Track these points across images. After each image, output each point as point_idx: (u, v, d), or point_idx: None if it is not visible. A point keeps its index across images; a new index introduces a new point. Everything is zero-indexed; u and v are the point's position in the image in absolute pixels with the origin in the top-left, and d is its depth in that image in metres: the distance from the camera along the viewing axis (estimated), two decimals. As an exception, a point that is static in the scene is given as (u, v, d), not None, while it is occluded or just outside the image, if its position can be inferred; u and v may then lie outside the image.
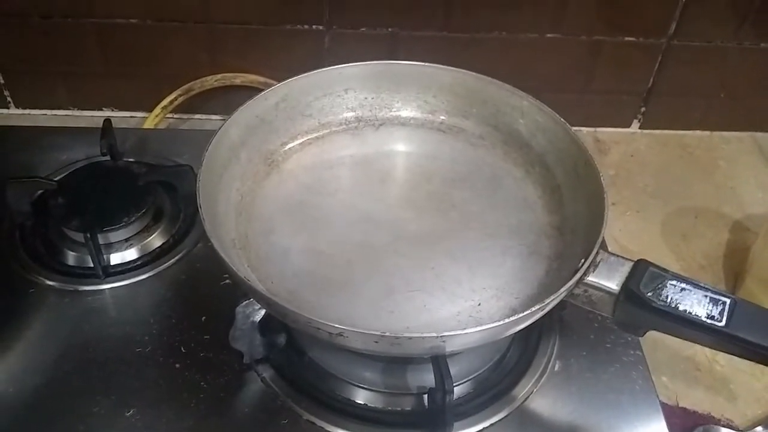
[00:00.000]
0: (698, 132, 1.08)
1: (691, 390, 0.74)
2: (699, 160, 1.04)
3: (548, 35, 0.95)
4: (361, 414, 0.61)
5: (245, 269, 0.59)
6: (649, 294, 0.52)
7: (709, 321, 0.51)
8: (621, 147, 1.04)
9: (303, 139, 0.73)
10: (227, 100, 0.98)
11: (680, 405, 0.72)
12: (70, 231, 0.72)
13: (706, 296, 0.52)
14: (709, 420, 0.71)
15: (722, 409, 0.72)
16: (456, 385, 0.60)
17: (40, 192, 0.75)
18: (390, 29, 0.94)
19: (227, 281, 0.69)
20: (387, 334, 0.49)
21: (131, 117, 1.02)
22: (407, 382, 0.62)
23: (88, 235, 0.68)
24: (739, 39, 0.97)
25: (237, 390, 0.62)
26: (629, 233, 0.91)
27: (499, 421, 0.61)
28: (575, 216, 0.64)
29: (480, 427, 0.61)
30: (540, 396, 0.63)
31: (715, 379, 0.75)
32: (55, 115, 1.02)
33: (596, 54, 0.98)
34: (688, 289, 0.53)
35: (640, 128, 1.07)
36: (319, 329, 0.50)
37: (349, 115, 0.75)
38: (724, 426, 0.69)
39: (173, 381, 0.63)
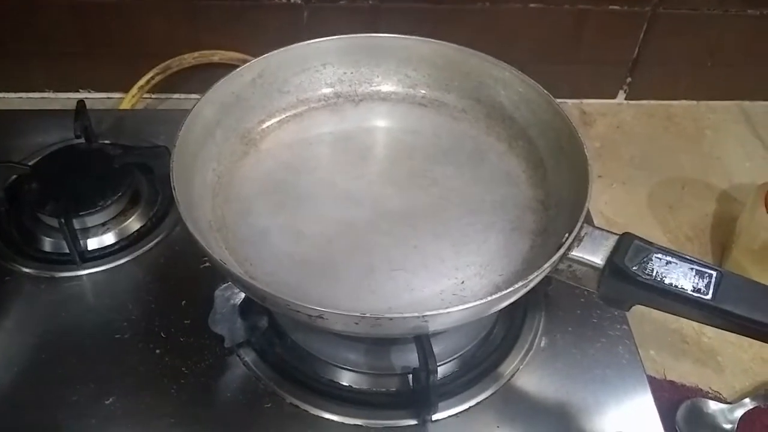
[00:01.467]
0: (684, 102, 1.07)
1: (679, 363, 0.73)
2: (685, 130, 1.03)
3: (532, 5, 0.94)
4: (346, 396, 0.61)
5: (222, 252, 0.58)
6: (635, 268, 0.51)
7: (695, 294, 0.50)
8: (607, 118, 1.03)
9: (281, 117, 0.71)
10: (206, 78, 0.94)
11: (668, 378, 0.72)
12: (44, 216, 0.70)
13: (692, 269, 0.51)
14: (697, 393, 0.70)
15: (710, 382, 0.72)
16: (441, 364, 0.59)
17: (13, 177, 0.74)
18: (370, 2, 0.92)
19: (207, 264, 0.68)
20: (367, 315, 0.48)
21: (108, 98, 1.00)
22: (391, 363, 0.62)
23: (63, 221, 0.67)
24: (725, 6, 0.96)
25: (219, 375, 0.61)
26: (615, 205, 0.90)
27: (485, 399, 0.61)
28: (559, 190, 0.63)
29: (466, 405, 0.60)
30: (526, 373, 0.63)
31: (702, 352, 0.75)
32: (30, 97, 1.00)
33: (581, 24, 0.96)
34: (674, 263, 0.52)
35: (626, 99, 1.06)
36: (299, 312, 0.49)
37: (328, 90, 0.73)
38: (711, 399, 0.69)
39: (153, 367, 0.61)
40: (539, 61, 0.96)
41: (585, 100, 1.05)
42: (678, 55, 1.01)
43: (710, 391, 0.71)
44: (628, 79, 1.03)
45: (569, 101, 1.05)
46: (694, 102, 1.07)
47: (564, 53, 1.00)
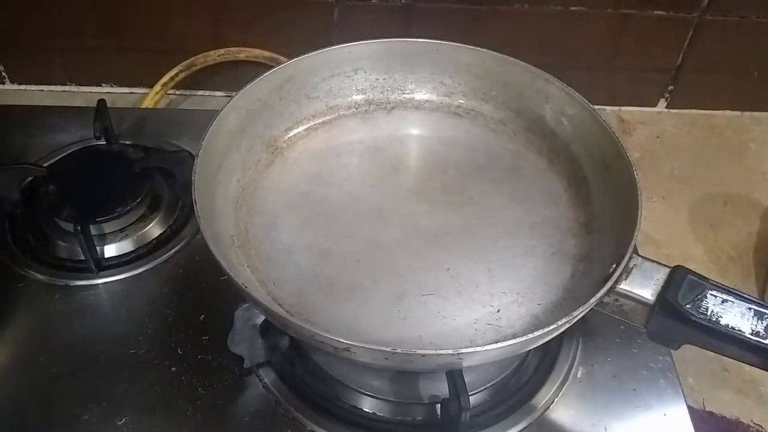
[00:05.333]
0: (728, 112, 1.03)
1: (719, 392, 0.70)
2: (728, 142, 0.99)
3: (572, 8, 0.90)
4: (368, 424, 0.58)
5: (244, 271, 0.55)
6: (688, 306, 0.48)
7: (754, 338, 0.47)
8: (646, 128, 1.00)
9: (309, 124, 0.68)
10: (231, 75, 0.95)
11: (707, 409, 0.68)
12: (60, 221, 0.68)
13: (750, 309, 0.48)
14: (738, 425, 0.68)
15: (751, 414, 0.69)
16: (472, 394, 0.56)
17: (30, 179, 0.72)
18: (403, 1, 0.89)
19: (228, 277, 0.65)
20: (398, 350, 0.45)
21: (131, 93, 0.98)
22: (419, 391, 0.59)
23: (79, 227, 0.64)
24: (775, 14, 0.91)
25: (237, 396, 0.59)
26: (655, 221, 0.86)
27: (518, 432, 0.57)
28: (604, 212, 0.59)
29: (497, 439, 0.57)
30: (562, 405, 0.60)
31: (744, 381, 0.72)
32: (52, 91, 0.99)
33: (623, 28, 0.93)
34: (731, 301, 0.48)
35: (666, 107, 1.03)
36: (324, 343, 0.46)
37: (359, 97, 0.70)
38: (753, 432, 0.66)
39: (169, 386, 0.59)
40: (578, 66, 0.94)
41: (624, 108, 1.02)
42: (723, 63, 0.97)
43: (752, 425, 0.68)
44: (670, 87, 1.00)
45: (608, 108, 1.02)
46: (738, 112, 1.03)
47: (604, 58, 0.96)
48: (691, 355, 0.70)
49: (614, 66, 0.97)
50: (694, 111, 1.03)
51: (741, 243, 0.85)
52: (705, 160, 0.96)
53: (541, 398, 0.60)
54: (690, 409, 0.62)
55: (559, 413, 0.59)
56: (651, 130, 0.99)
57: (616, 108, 1.02)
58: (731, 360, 0.71)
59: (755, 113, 1.03)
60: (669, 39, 0.95)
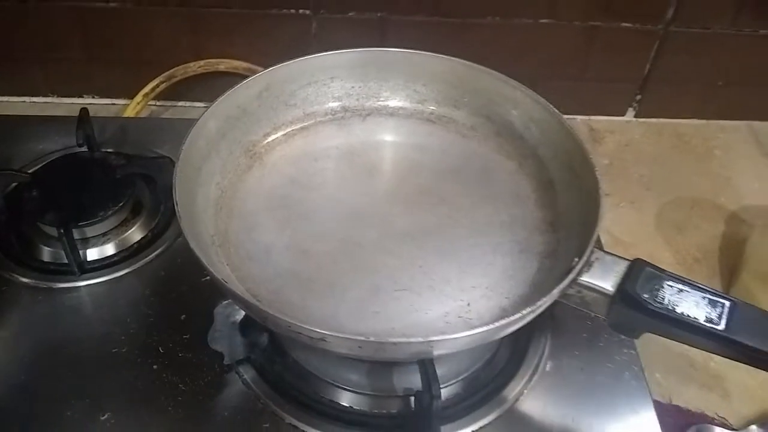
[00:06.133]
0: (694, 121, 1.06)
1: (685, 387, 0.72)
2: (695, 149, 1.02)
3: (542, 20, 0.93)
4: (346, 417, 0.60)
5: (224, 269, 0.57)
6: (646, 296, 0.50)
7: (707, 324, 0.49)
8: (616, 136, 1.02)
9: (287, 130, 0.70)
10: (211, 86, 0.96)
11: (674, 403, 0.70)
12: (44, 225, 0.69)
13: (704, 298, 0.50)
14: (703, 419, 0.69)
15: (716, 407, 0.70)
16: (444, 387, 0.58)
17: (13, 185, 0.73)
18: (379, 14, 0.91)
19: (208, 278, 0.66)
20: (371, 339, 0.47)
21: (112, 104, 1.00)
22: (393, 384, 0.60)
23: (62, 230, 0.66)
24: (738, 26, 0.95)
25: (217, 392, 0.60)
26: (623, 225, 0.88)
27: (489, 424, 0.59)
28: (569, 212, 0.62)
29: (468, 430, 0.59)
30: (531, 397, 0.62)
31: (709, 377, 0.73)
32: (35, 102, 1.00)
33: (591, 40, 0.95)
34: (686, 291, 0.51)
35: (635, 117, 1.05)
36: (300, 333, 0.48)
37: (335, 104, 0.72)
38: (718, 425, 0.68)
39: (150, 383, 0.60)
40: (548, 76, 0.96)
41: (594, 117, 1.04)
42: (689, 73, 1.00)
43: (717, 417, 0.69)
44: (638, 97, 1.02)
45: (578, 117, 1.04)
46: (704, 121, 1.05)
47: (574, 69, 0.99)
48: (658, 352, 0.73)
49: (584, 77, 0.99)
50: (662, 120, 1.05)
51: (707, 245, 0.87)
52: (672, 167, 0.98)
53: (511, 390, 0.61)
54: (657, 403, 0.64)
55: (529, 405, 0.61)
56: (620, 139, 1.02)
57: (587, 117, 1.04)
58: (697, 356, 0.74)
59: (720, 121, 1.05)
60: (636, 50, 0.97)
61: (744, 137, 1.04)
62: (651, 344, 0.71)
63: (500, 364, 0.64)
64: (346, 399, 0.61)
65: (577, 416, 0.61)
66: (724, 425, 0.68)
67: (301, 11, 0.90)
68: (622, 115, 1.05)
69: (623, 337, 0.65)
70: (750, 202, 0.93)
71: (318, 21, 0.91)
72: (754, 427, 0.68)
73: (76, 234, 0.68)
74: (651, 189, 0.94)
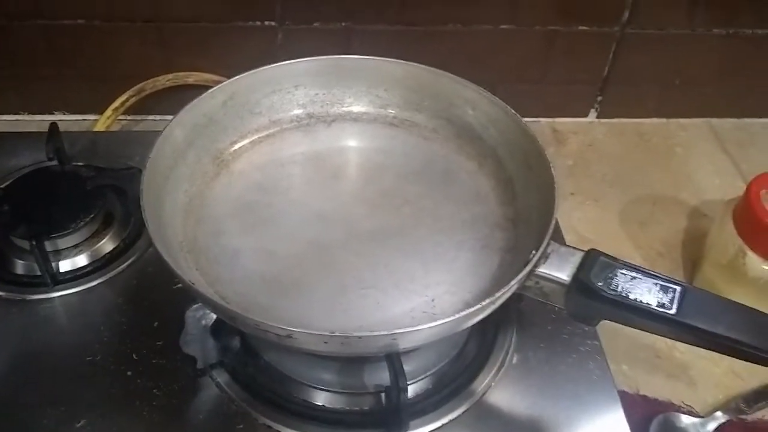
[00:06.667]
0: (655, 120, 1.08)
1: (652, 377, 0.74)
2: (656, 147, 1.04)
3: (503, 26, 0.95)
4: (320, 416, 0.61)
5: (192, 273, 0.58)
6: (600, 284, 0.52)
7: (659, 309, 0.51)
8: (579, 137, 1.04)
9: (253, 138, 0.71)
10: (180, 99, 0.91)
11: (641, 392, 0.72)
12: (16, 239, 0.70)
13: (656, 284, 0.52)
14: (670, 407, 0.71)
15: (682, 396, 0.72)
16: (413, 382, 0.60)
17: (-15, 200, 0.73)
18: (343, 23, 0.93)
19: (179, 285, 0.67)
20: (336, 333, 0.48)
21: (83, 120, 0.99)
22: (365, 382, 0.62)
23: (34, 243, 0.66)
24: (692, 26, 0.97)
25: (191, 396, 0.61)
26: (588, 222, 0.91)
27: (458, 417, 0.61)
28: (528, 208, 0.64)
29: (439, 423, 0.60)
30: (498, 390, 0.63)
31: (675, 366, 0.75)
32: (5, 120, 0.99)
33: (551, 44, 0.97)
34: (639, 278, 0.52)
35: (597, 117, 1.07)
36: (268, 332, 0.49)
37: (300, 111, 0.73)
38: (684, 413, 0.70)
39: (125, 389, 0.61)
40: (511, 80, 0.98)
41: (557, 119, 1.06)
42: (647, 73, 1.02)
43: (683, 405, 0.71)
44: (599, 98, 1.05)
45: (542, 120, 1.05)
46: (664, 120, 1.08)
47: (535, 73, 1.01)
48: (624, 344, 0.75)
49: (546, 80, 1.01)
50: (623, 120, 1.07)
51: (669, 240, 0.89)
52: (634, 165, 1.00)
53: (479, 384, 0.63)
54: (624, 393, 0.66)
55: (497, 397, 0.63)
56: (583, 139, 1.04)
57: (550, 119, 1.06)
58: (663, 347, 0.76)
59: (680, 120, 1.08)
60: (595, 52, 0.99)
61: (704, 134, 1.06)
62: (617, 337, 0.74)
63: (468, 358, 0.65)
64: (319, 398, 0.62)
65: (543, 406, 0.62)
66: (690, 413, 0.70)
67: (267, 23, 0.92)
68: (585, 117, 1.07)
69: (586, 328, 0.68)
70: (710, 197, 0.95)
71: (284, 32, 0.92)
72: (719, 413, 0.69)
73: (48, 246, 0.69)
74: (614, 187, 0.96)
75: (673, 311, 0.51)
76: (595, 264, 0.53)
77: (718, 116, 1.08)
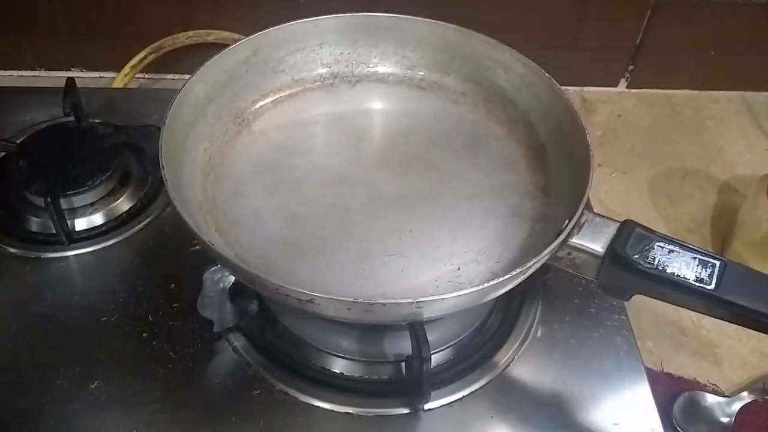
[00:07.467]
0: (687, 91, 1.05)
1: (677, 355, 0.72)
2: (687, 120, 1.01)
3: (533, -13, 0.92)
4: (337, 383, 0.59)
5: (212, 234, 0.56)
6: (636, 256, 0.50)
7: (698, 284, 0.49)
8: (608, 106, 1.02)
9: (275, 97, 0.69)
10: (200, 58, 0.90)
11: (665, 370, 0.71)
12: (31, 195, 0.69)
13: (694, 258, 0.50)
14: (695, 385, 0.69)
15: (707, 374, 0.71)
16: (435, 353, 0.59)
17: (1, 155, 0.72)
18: (369, -17, 0.90)
19: (197, 247, 0.66)
20: (360, 300, 0.46)
21: (100, 77, 0.99)
22: (384, 350, 0.60)
23: (50, 200, 0.65)
24: (731, -6, 0.94)
25: (207, 360, 0.60)
26: (616, 195, 0.89)
27: (480, 388, 0.59)
28: (560, 176, 0.61)
29: (460, 395, 0.59)
30: (521, 363, 0.62)
31: (701, 344, 0.74)
32: (22, 76, 0.99)
33: (583, 9, 0.95)
34: (676, 251, 0.50)
35: (627, 87, 1.05)
36: (289, 296, 0.47)
37: (324, 71, 0.71)
38: (709, 392, 0.68)
39: (140, 351, 0.60)
40: (540, 46, 0.95)
41: (586, 88, 1.04)
42: (681, 43, 0.99)
43: (708, 384, 0.70)
44: (630, 67, 1.02)
45: (570, 88, 1.03)
46: (696, 92, 1.05)
47: (566, 39, 0.98)
48: (650, 320, 0.73)
49: (576, 47, 0.99)
50: (654, 90, 1.04)
51: (699, 215, 0.87)
52: (664, 137, 0.98)
53: (502, 356, 0.61)
54: (649, 370, 0.64)
55: (519, 370, 0.61)
56: (612, 109, 1.02)
57: (579, 88, 1.04)
58: (689, 324, 0.74)
59: (713, 92, 1.05)
60: (628, 20, 0.96)
61: (736, 108, 1.04)
62: (642, 313, 0.72)
63: (491, 330, 0.64)
64: (337, 365, 0.60)
65: (568, 381, 0.61)
66: (715, 392, 0.69)
67: (290, -20, 0.89)
68: (615, 86, 1.05)
69: (614, 303, 0.66)
70: (741, 172, 0.93)
71: (307, -10, 0.90)
72: (745, 393, 0.68)
73: (63, 204, 0.67)
74: (643, 159, 0.94)
75: (712, 287, 0.49)
76: (631, 236, 0.51)
77: (753, 89, 1.05)
